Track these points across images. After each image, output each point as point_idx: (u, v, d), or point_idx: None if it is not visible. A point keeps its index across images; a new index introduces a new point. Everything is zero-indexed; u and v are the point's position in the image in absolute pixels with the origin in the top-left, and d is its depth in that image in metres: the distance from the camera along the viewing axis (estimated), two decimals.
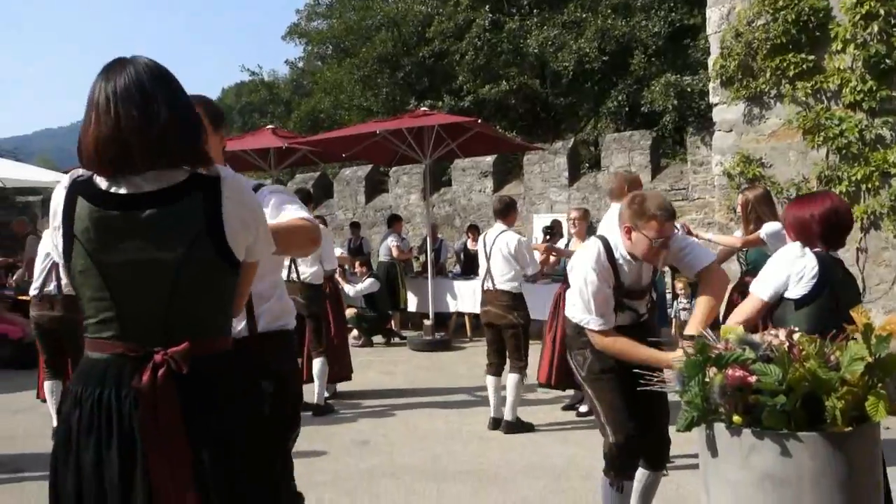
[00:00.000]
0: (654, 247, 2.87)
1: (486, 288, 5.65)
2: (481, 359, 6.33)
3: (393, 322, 10.33)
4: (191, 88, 2.24)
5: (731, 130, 7.49)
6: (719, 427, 1.72)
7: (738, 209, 5.22)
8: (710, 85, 7.76)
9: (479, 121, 9.53)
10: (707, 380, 1.71)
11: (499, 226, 5.71)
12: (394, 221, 10.90)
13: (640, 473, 3.19)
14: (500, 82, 16.53)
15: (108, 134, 1.59)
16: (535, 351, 6.33)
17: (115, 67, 1.65)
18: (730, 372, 1.67)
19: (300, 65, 25.77)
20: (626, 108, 15.41)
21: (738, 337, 1.77)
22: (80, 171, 1.69)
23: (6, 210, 15.65)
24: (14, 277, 9.14)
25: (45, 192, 13.59)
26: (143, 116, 1.60)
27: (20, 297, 8.74)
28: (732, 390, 1.67)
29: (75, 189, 1.66)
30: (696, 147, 11.19)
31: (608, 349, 2.96)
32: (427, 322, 9.61)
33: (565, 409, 6.03)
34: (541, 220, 11.35)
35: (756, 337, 1.81)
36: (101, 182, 1.65)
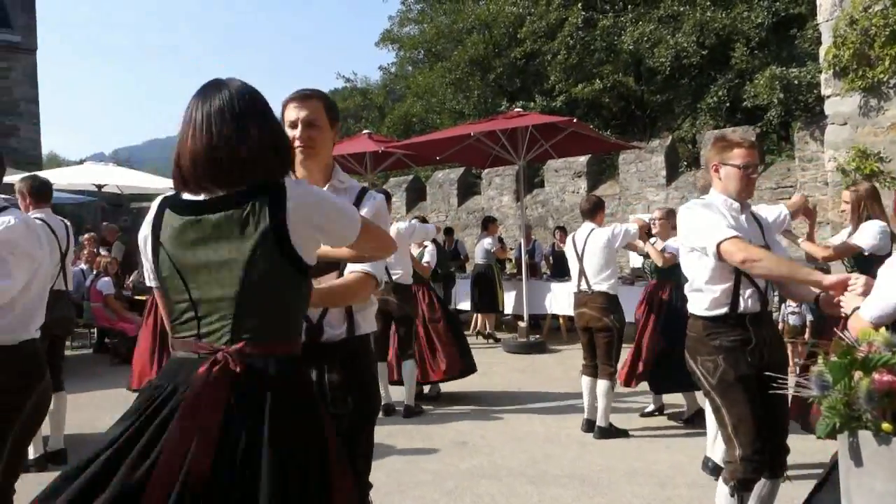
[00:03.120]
0: (744, 174, 2.91)
1: (580, 290, 5.53)
2: (576, 362, 6.21)
3: (488, 324, 10.30)
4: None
5: (845, 123, 7.08)
6: (865, 435, 1.60)
7: (846, 207, 4.82)
8: (822, 76, 7.36)
9: (575, 120, 9.39)
10: (852, 384, 1.60)
11: (588, 225, 5.56)
12: (489, 224, 10.84)
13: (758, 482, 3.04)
14: (593, 81, 16.28)
15: (202, 150, 1.70)
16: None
17: (211, 88, 1.77)
18: (877, 376, 1.56)
19: (393, 70, 26.21)
20: (727, 104, 14.87)
21: (884, 339, 1.65)
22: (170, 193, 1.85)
23: (126, 216, 16.65)
24: (131, 279, 9.69)
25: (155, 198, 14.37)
26: (234, 135, 1.70)
27: (136, 297, 9.26)
28: (881, 396, 1.55)
29: (164, 202, 1.82)
30: (804, 142, 10.64)
31: (754, 257, 2.65)
32: (521, 324, 9.54)
33: (644, 415, 5.84)
34: None
35: None
36: (187, 194, 1.78)
